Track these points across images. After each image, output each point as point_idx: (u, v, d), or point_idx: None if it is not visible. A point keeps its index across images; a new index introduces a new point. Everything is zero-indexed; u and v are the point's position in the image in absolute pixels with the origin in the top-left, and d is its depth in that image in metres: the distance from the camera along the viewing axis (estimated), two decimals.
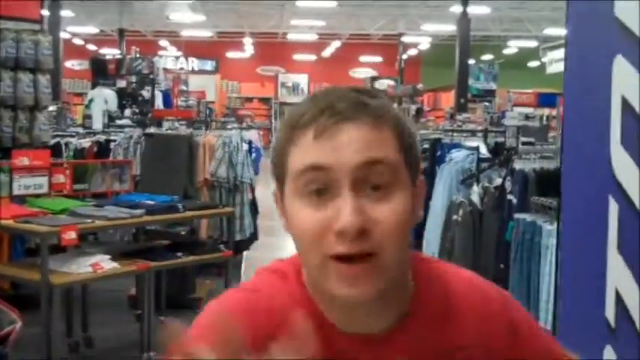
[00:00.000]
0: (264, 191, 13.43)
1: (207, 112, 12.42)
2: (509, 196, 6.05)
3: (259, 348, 0.91)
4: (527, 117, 11.57)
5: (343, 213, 0.91)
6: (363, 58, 29.06)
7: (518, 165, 6.12)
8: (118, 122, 9.90)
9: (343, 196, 0.92)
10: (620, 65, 1.36)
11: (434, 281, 1.06)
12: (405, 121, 0.99)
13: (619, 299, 1.41)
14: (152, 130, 7.41)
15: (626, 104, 1.35)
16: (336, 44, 27.32)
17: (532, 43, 23.63)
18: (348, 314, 1.00)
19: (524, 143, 7.41)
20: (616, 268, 1.40)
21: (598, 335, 1.45)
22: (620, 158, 1.37)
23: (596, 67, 1.46)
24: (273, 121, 27.44)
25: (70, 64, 24.69)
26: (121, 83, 12.63)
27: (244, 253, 7.76)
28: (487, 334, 1.05)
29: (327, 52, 28.36)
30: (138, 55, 14.41)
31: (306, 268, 1.00)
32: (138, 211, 4.74)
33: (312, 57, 28.94)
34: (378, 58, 28.50)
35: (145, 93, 12.30)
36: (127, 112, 11.43)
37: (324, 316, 1.00)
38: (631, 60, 1.34)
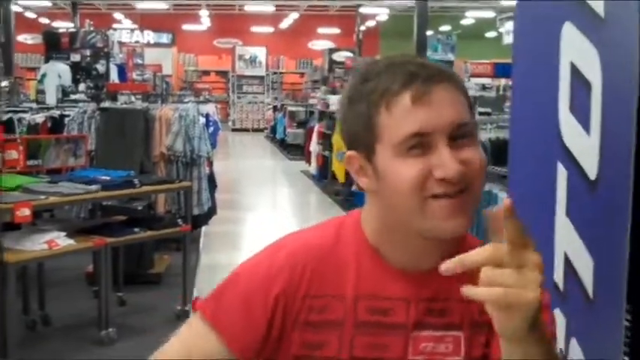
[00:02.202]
0: (222, 165, 13.42)
1: (164, 85, 12.24)
2: None
3: (326, 284, 1.13)
4: (484, 87, 11.65)
5: (447, 163, 1.03)
6: (321, 30, 28.93)
7: None
8: (73, 97, 9.71)
9: (442, 148, 1.04)
10: (569, 31, 1.37)
11: (467, 236, 1.17)
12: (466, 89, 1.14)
13: (568, 263, 1.43)
14: (107, 104, 7.29)
15: (575, 70, 1.36)
16: (293, 16, 27.14)
17: (489, 14, 23.75)
18: (419, 253, 1.13)
19: (480, 113, 7.47)
20: (565, 233, 1.42)
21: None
22: (569, 124, 1.39)
23: (545, 34, 1.47)
24: (230, 94, 27.23)
25: (22, 38, 24.14)
26: (75, 57, 12.37)
27: (203, 227, 7.73)
28: None
29: (284, 24, 28.16)
30: (92, 29, 14.12)
31: (403, 213, 1.08)
32: (93, 187, 4.68)
33: (270, 29, 28.71)
34: (336, 30, 28.40)
35: (100, 67, 12.08)
36: (82, 86, 11.21)
37: (380, 253, 1.15)
38: (579, 26, 1.34)
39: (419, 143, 1.04)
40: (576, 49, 1.35)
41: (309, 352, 1.14)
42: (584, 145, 1.33)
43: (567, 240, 1.43)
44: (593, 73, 1.29)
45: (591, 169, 1.32)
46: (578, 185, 1.37)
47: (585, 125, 1.33)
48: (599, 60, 1.28)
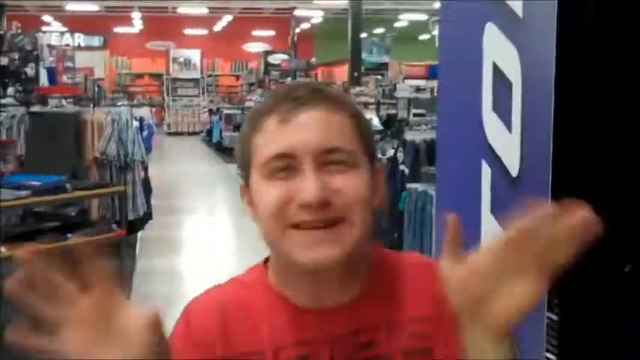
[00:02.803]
0: (158, 169, 13.26)
1: (96, 89, 12.04)
2: (402, 167, 6.19)
3: (230, 339, 1.05)
4: (418, 89, 11.81)
5: (306, 186, 0.97)
6: (256, 33, 28.86)
7: (409, 136, 6.27)
8: (2, 101, 9.48)
9: (306, 172, 0.98)
10: (491, 32, 1.41)
11: (386, 261, 1.13)
12: (360, 109, 1.08)
13: None
14: (37, 108, 7.13)
15: (497, 70, 1.40)
16: (227, 18, 26.99)
17: (422, 17, 24.07)
18: (312, 288, 1.05)
19: (415, 115, 7.59)
20: (490, 229, 1.46)
21: None
22: (492, 124, 1.43)
23: (468, 35, 1.51)
24: (165, 97, 26.92)
25: None
26: (3, 60, 12.06)
27: (139, 232, 7.63)
28: (439, 304, 1.04)
29: (218, 27, 27.98)
30: (20, 31, 13.79)
31: (270, 244, 1.04)
32: (23, 192, 4.59)
33: (204, 31, 28.49)
34: (271, 32, 28.37)
35: (29, 70, 11.80)
36: (10, 90, 10.94)
37: (289, 300, 1.07)
38: (500, 26, 1.39)
39: (285, 167, 1.00)
40: (498, 49, 1.40)
41: None
42: (506, 143, 1.38)
43: (492, 236, 1.47)
44: (514, 73, 1.33)
45: (513, 167, 1.36)
46: (501, 182, 1.41)
47: (507, 123, 1.37)
48: (518, 59, 1.32)
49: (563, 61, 1.20)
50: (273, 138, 1.01)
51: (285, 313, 1.06)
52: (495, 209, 1.45)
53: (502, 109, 1.40)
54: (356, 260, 1.05)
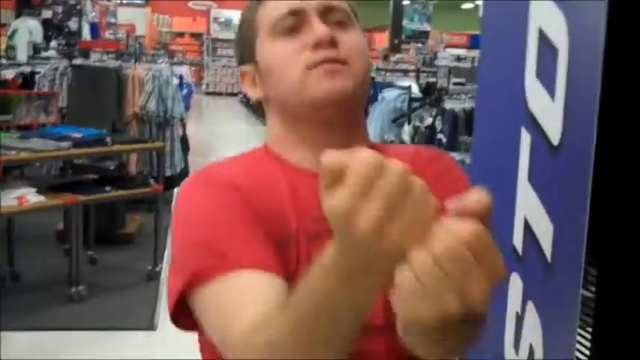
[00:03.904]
0: (195, 128, 13.33)
1: (137, 46, 12.10)
2: (440, 135, 6.15)
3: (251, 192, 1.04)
4: (459, 58, 11.66)
5: (317, 28, 1.07)
6: None
7: (448, 105, 6.22)
8: (44, 54, 9.58)
9: (314, 22, 1.09)
10: None
11: (384, 149, 1.17)
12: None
13: (527, 228, 1.46)
14: (80, 61, 7.20)
15: (542, 36, 1.38)
16: None
17: None
18: (321, 146, 0.98)
19: (455, 84, 7.50)
20: (526, 198, 1.45)
21: (505, 263, 1.51)
22: (534, 90, 1.41)
23: (515, 1, 1.49)
24: (205, 57, 26.95)
25: None
26: (47, 14, 12.17)
27: (175, 189, 7.72)
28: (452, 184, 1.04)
29: None
30: None
31: (285, 101, 1.10)
32: (65, 144, 4.66)
33: None
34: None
35: (72, 24, 11.90)
36: (53, 43, 11.05)
37: (298, 164, 1.11)
38: None
39: (293, 27, 1.09)
40: (544, 15, 1.38)
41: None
42: (549, 110, 1.36)
43: (528, 205, 1.47)
44: (561, 39, 1.31)
45: (554, 135, 1.35)
46: (541, 150, 1.40)
47: (550, 91, 1.36)
48: (565, 25, 1.30)
49: (613, 27, 1.18)
50: (278, 4, 1.11)
51: (301, 177, 1.09)
52: (533, 177, 1.44)
53: (546, 76, 1.38)
54: (357, 113, 1.14)
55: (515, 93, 1.44)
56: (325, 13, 1.11)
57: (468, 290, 0.64)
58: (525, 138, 1.44)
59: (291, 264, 1.01)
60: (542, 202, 1.41)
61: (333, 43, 1.07)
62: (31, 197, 4.39)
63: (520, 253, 1.50)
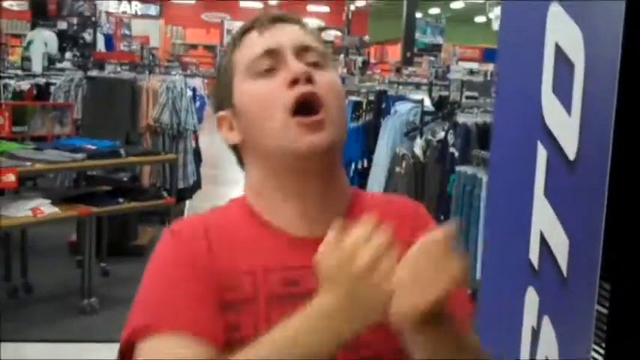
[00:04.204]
0: (208, 140, 13.37)
1: (150, 57, 12.18)
2: (452, 149, 6.14)
3: (220, 254, 1.06)
4: (471, 72, 11.66)
5: (292, 66, 1.08)
6: (310, 8, 28.77)
7: (461, 119, 6.21)
8: (59, 65, 9.66)
9: (290, 60, 1.09)
10: (555, 12, 1.39)
11: (363, 198, 1.19)
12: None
13: (543, 242, 1.46)
14: (94, 73, 7.25)
15: (559, 51, 1.39)
16: None
17: None
18: (298, 206, 1.10)
19: (467, 97, 7.48)
20: (542, 212, 1.45)
21: (521, 277, 1.51)
22: (551, 105, 1.41)
23: (532, 16, 1.49)
24: None
25: (7, 4, 23.80)
26: (62, 25, 12.29)
27: (187, 201, 7.73)
28: (418, 229, 1.05)
29: (274, 0, 27.98)
30: None
31: (262, 145, 1.09)
32: (79, 155, 4.69)
33: (260, 5, 28.50)
34: (326, 9, 28.25)
35: (87, 36, 12.00)
36: (68, 55, 11.14)
37: (273, 225, 1.11)
38: (565, 6, 1.37)
39: (269, 68, 1.09)
40: (561, 30, 1.38)
41: (230, 335, 1.02)
42: (565, 125, 1.36)
43: (544, 219, 1.47)
44: (577, 54, 1.32)
45: (571, 150, 1.35)
46: (557, 165, 1.40)
47: (567, 106, 1.36)
48: (582, 41, 1.30)
49: (629, 43, 1.19)
50: (256, 43, 1.12)
51: (272, 239, 1.09)
52: (549, 192, 1.44)
53: (562, 91, 1.38)
54: (336, 164, 1.13)
55: (532, 108, 1.45)
56: (301, 53, 1.11)
57: (426, 292, 0.89)
58: (542, 153, 1.44)
59: (243, 329, 1.03)
60: (558, 216, 1.41)
61: (309, 79, 1.07)
62: (46, 208, 4.42)
63: (536, 267, 1.50)
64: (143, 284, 1.06)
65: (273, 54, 1.10)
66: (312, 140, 1.05)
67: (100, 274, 5.36)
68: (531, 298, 1.52)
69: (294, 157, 1.06)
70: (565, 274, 1.39)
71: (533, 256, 1.50)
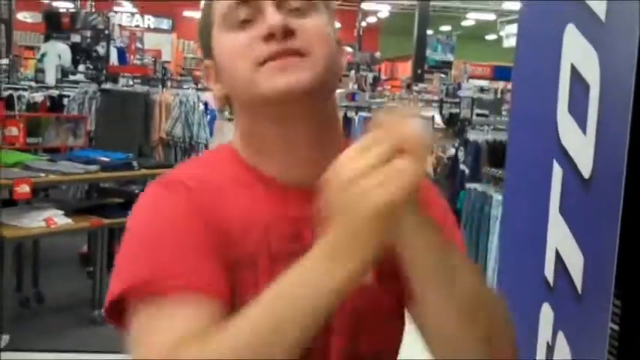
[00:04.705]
0: None
1: (163, 71, 12.26)
2: (462, 166, 6.17)
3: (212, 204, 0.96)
4: (482, 89, 11.69)
5: (268, 18, 0.95)
6: None
7: (471, 136, 6.24)
8: (72, 77, 9.74)
9: (267, 10, 0.96)
10: (571, 33, 1.42)
11: None
12: None
13: (559, 259, 1.48)
14: (108, 86, 7.32)
15: (575, 72, 1.41)
16: None
17: (490, 16, 23.77)
18: (287, 154, 1.00)
19: (478, 115, 7.53)
20: (557, 229, 1.47)
21: (536, 293, 1.53)
22: (566, 124, 1.44)
23: (548, 36, 1.52)
24: None
25: (21, 16, 24.03)
26: (75, 38, 12.37)
27: None
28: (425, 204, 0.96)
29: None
30: (93, 10, 14.12)
31: (239, 94, 1.00)
32: (93, 167, 4.73)
33: None
34: (337, 24, 28.37)
35: (100, 49, 12.07)
36: (81, 67, 11.23)
37: (265, 175, 1.01)
38: (582, 29, 1.40)
39: (245, 19, 0.98)
40: (577, 51, 1.41)
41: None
42: (580, 144, 1.38)
43: (559, 236, 1.49)
44: (592, 75, 1.34)
45: (586, 168, 1.37)
46: (572, 183, 1.42)
47: (582, 125, 1.38)
48: (598, 62, 1.33)
49: None
50: None
51: (266, 190, 1.00)
52: (564, 210, 1.46)
53: (577, 111, 1.41)
54: (324, 109, 1.01)
55: (547, 127, 1.47)
56: (282, 2, 0.98)
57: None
58: (557, 171, 1.46)
59: (244, 287, 0.94)
60: (573, 233, 1.43)
61: (288, 32, 0.95)
62: (59, 219, 4.45)
63: (551, 283, 1.52)
64: (133, 235, 0.96)
65: (248, 2, 0.98)
66: (288, 80, 0.93)
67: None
68: (546, 314, 1.53)
69: (266, 104, 0.96)
70: (580, 291, 1.41)
71: (549, 272, 1.52)
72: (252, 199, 0.99)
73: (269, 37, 0.95)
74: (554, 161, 1.47)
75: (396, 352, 1.08)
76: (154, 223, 0.95)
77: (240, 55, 0.97)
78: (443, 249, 0.90)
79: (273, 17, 0.95)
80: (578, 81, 1.40)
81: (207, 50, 1.05)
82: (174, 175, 1.03)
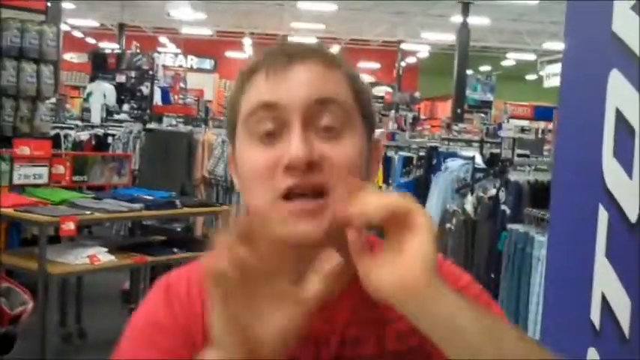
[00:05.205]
0: None
1: (205, 110, 12.46)
2: (503, 207, 6.12)
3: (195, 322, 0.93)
4: (522, 129, 11.64)
5: (293, 144, 0.86)
6: (361, 64, 29.13)
7: (512, 176, 6.19)
8: (116, 117, 9.95)
9: (293, 129, 0.87)
10: (616, 79, 1.43)
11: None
12: (357, 72, 0.97)
13: (605, 302, 1.47)
14: (152, 125, 7.46)
15: (620, 117, 1.42)
16: (335, 48, 27.40)
17: (530, 57, 23.75)
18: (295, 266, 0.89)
19: (519, 155, 7.48)
20: (603, 273, 1.47)
21: (582, 337, 1.52)
22: (612, 169, 1.44)
23: (592, 80, 1.53)
24: None
25: (68, 56, 24.69)
26: (120, 78, 12.67)
27: None
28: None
29: None
30: (138, 51, 14.45)
31: (253, 210, 0.92)
32: (137, 205, 4.80)
33: None
34: (377, 65, 28.59)
35: (144, 89, 12.33)
36: (125, 106, 11.47)
37: None
38: (626, 74, 1.41)
39: (270, 123, 0.88)
40: (622, 96, 1.41)
41: None
42: (626, 188, 1.39)
43: (605, 280, 1.48)
44: (637, 119, 1.35)
45: (632, 212, 1.37)
46: (618, 227, 1.42)
47: (628, 169, 1.38)
48: None
49: None
50: (259, 91, 0.90)
51: None
52: (611, 253, 1.46)
53: (623, 155, 1.41)
54: (340, 240, 0.87)
55: (593, 170, 1.47)
56: (313, 113, 0.88)
57: None
58: (603, 214, 1.46)
59: None
60: (619, 277, 1.43)
61: (311, 166, 0.86)
62: (102, 256, 4.52)
63: (597, 327, 1.51)
64: (121, 342, 0.96)
65: (274, 110, 0.88)
66: (306, 230, 0.86)
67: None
68: (593, 359, 1.52)
69: (283, 242, 0.84)
70: (627, 336, 1.40)
71: (595, 316, 1.51)
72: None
73: (289, 169, 0.86)
74: (600, 205, 1.48)
75: None
76: (132, 330, 0.96)
77: (259, 181, 0.89)
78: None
79: (297, 147, 0.85)
80: (623, 125, 1.41)
81: (232, 141, 0.97)
82: (181, 274, 1.00)
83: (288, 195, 0.87)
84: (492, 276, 6.23)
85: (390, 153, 8.34)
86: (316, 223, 0.86)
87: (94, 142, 7.89)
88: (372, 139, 0.96)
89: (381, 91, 21.46)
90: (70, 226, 4.27)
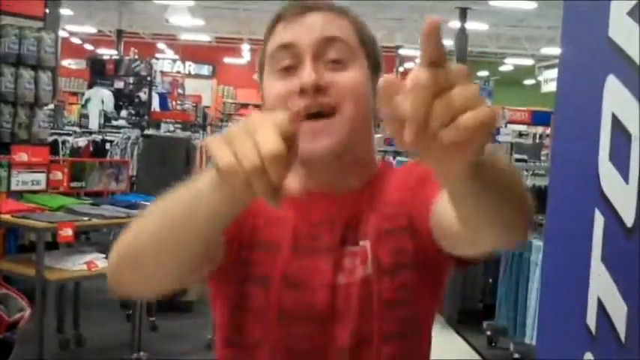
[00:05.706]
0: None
1: (203, 116, 12.47)
2: None
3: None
4: (520, 134, 11.65)
5: (304, 72, 1.07)
6: None
7: None
8: (114, 123, 9.95)
9: (305, 61, 1.08)
10: (612, 84, 1.43)
11: (389, 172, 1.20)
12: (365, 25, 1.16)
13: (601, 307, 1.47)
14: (151, 131, 7.46)
15: (616, 122, 1.42)
16: None
17: (528, 62, 23.77)
18: (309, 179, 1.12)
19: (517, 160, 7.50)
20: (599, 278, 1.47)
21: (579, 342, 1.52)
22: (608, 174, 1.44)
23: (588, 86, 1.53)
24: None
25: (66, 62, 24.68)
26: (119, 84, 12.68)
27: None
28: (410, 189, 1.11)
29: None
30: (136, 57, 14.45)
31: None
32: (135, 211, 4.79)
33: None
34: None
35: (142, 95, 12.34)
36: (123, 113, 11.47)
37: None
38: (623, 80, 1.41)
39: (287, 60, 1.09)
40: (618, 102, 1.42)
41: (248, 272, 1.12)
42: (622, 192, 1.39)
43: (601, 285, 1.48)
44: (634, 125, 1.35)
45: (628, 217, 1.37)
46: (614, 231, 1.42)
47: (624, 174, 1.39)
48: (639, 112, 1.34)
49: None
50: (279, 36, 1.12)
51: (293, 194, 1.06)
52: (607, 258, 1.46)
53: (619, 160, 1.41)
54: (350, 156, 1.11)
55: (589, 175, 1.48)
56: (322, 49, 1.09)
57: None
58: (599, 219, 1.46)
59: (260, 266, 1.12)
60: (615, 282, 1.43)
61: (319, 89, 1.06)
62: (100, 262, 4.51)
63: (593, 332, 1.50)
64: None
65: (291, 49, 1.10)
66: (311, 148, 1.05)
67: (149, 329, 5.41)
68: None
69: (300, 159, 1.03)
70: (623, 340, 1.40)
71: (591, 321, 1.51)
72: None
73: (301, 92, 1.06)
74: (596, 209, 1.48)
75: (406, 336, 1.14)
76: None
77: (279, 105, 1.07)
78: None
79: (308, 74, 1.06)
80: (619, 131, 1.41)
81: (260, 78, 1.17)
82: None
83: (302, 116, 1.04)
84: (490, 281, 6.23)
85: (388, 158, 8.34)
86: (328, 139, 1.06)
87: (91, 149, 7.89)
88: (378, 78, 1.13)
89: None
90: (67, 232, 4.26)
